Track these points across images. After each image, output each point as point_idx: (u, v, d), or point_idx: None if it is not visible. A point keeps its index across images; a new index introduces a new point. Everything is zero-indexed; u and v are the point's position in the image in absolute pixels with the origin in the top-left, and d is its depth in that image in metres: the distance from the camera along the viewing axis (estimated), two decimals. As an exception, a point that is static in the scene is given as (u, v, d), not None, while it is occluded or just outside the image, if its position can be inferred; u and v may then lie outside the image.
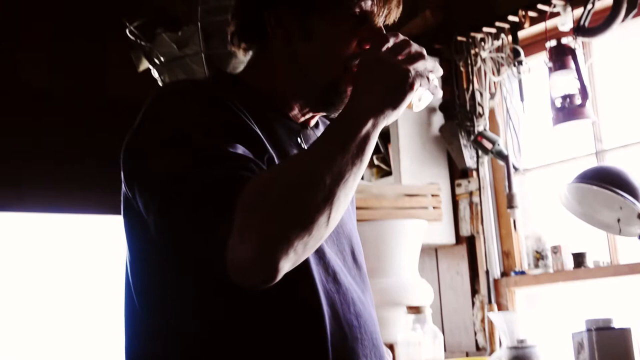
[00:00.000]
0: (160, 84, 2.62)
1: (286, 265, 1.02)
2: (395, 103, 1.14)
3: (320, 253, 1.22)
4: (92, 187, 3.97)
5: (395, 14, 1.31)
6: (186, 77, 2.51)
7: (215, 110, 1.16)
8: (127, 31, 2.49)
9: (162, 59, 2.47)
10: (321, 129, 1.39)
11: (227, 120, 1.15)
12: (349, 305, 1.23)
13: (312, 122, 1.36)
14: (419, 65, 1.16)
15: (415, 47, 1.19)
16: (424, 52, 1.19)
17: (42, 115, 4.00)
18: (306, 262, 1.18)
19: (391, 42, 1.19)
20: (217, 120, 1.14)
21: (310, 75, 1.27)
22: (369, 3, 1.26)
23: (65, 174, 3.97)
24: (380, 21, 1.28)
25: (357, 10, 1.25)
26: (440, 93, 1.23)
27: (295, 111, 1.32)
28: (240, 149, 1.09)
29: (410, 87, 1.15)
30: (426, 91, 1.20)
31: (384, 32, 1.26)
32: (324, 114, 1.34)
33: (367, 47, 1.24)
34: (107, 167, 3.88)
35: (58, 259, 4.03)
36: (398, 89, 1.14)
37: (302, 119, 1.33)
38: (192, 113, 1.14)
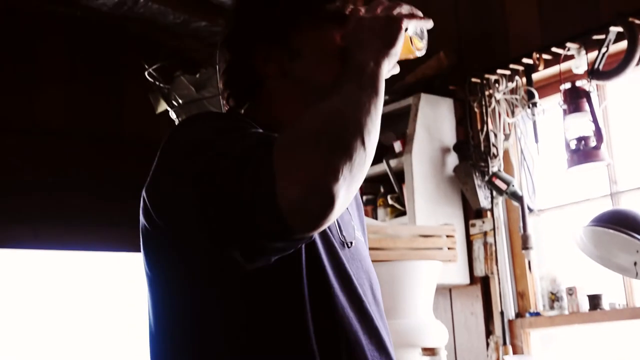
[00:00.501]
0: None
1: (340, 190, 1.03)
2: (388, 42, 1.19)
3: (346, 281, 1.23)
4: (106, 224, 4.00)
5: None
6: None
7: (235, 118, 1.22)
8: (146, 73, 2.52)
9: (180, 101, 2.50)
10: None
11: (248, 124, 1.19)
12: (372, 334, 1.24)
13: None
14: (397, 9, 1.22)
15: (387, 2, 1.24)
16: (398, 2, 1.25)
17: (58, 153, 4.05)
18: (330, 287, 1.19)
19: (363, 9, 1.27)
20: (238, 124, 1.18)
21: (315, 82, 1.28)
22: (346, 3, 1.31)
23: (80, 211, 4.00)
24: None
25: (329, 10, 1.30)
26: (430, 23, 1.26)
27: None
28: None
29: (398, 25, 1.20)
30: (417, 28, 1.26)
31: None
32: None
33: None
34: (122, 204, 3.94)
35: (73, 296, 4.04)
36: (386, 30, 1.20)
37: None
38: (211, 126, 1.17)
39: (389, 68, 1.20)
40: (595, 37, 2.96)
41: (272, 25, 1.30)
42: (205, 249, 1.14)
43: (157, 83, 2.55)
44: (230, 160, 1.06)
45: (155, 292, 1.27)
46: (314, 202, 1.02)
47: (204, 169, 1.08)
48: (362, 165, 1.07)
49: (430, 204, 3.36)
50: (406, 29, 1.23)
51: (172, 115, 2.59)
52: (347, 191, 1.05)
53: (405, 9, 1.23)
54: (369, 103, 1.12)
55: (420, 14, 1.25)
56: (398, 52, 1.20)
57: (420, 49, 1.28)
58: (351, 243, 1.32)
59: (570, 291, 3.04)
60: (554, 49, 3.10)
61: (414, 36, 1.26)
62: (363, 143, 1.07)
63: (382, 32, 1.20)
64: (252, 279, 1.15)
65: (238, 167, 1.05)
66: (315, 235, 1.18)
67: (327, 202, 1.02)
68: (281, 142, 1.05)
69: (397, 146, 3.50)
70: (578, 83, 2.96)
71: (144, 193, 1.21)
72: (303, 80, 1.29)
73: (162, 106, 2.59)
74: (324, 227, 1.06)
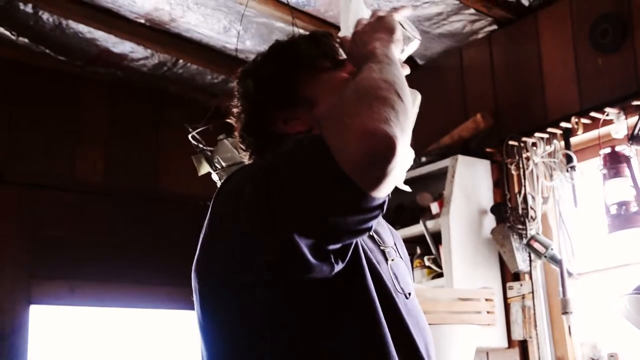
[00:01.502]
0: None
1: (395, 131, 1.06)
2: (388, 30, 1.26)
3: (407, 341, 1.22)
4: (144, 280, 4.02)
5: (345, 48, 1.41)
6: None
7: None
8: (190, 137, 2.57)
9: (223, 164, 2.53)
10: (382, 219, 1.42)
11: None
12: None
13: None
14: (379, 12, 1.31)
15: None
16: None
17: (97, 210, 4.09)
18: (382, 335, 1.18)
19: None
20: None
21: None
22: (324, 50, 1.38)
23: (117, 268, 4.02)
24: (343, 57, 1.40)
25: (323, 60, 1.37)
26: (410, 10, 1.36)
27: None
28: None
29: (389, 15, 1.28)
30: (403, 19, 1.35)
31: None
32: None
33: None
34: (160, 261, 3.97)
35: (109, 352, 4.05)
36: (381, 23, 1.27)
37: None
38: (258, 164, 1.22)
39: (398, 54, 1.26)
40: (634, 102, 2.97)
41: (278, 95, 1.36)
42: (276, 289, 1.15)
43: (201, 146, 2.59)
44: (287, 161, 1.11)
45: (215, 345, 1.25)
46: (375, 147, 1.04)
47: (266, 184, 1.11)
48: (405, 114, 1.10)
49: (467, 266, 3.35)
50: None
51: (215, 177, 2.62)
52: (402, 135, 1.07)
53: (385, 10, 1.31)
54: (390, 68, 1.17)
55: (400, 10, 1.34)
56: (400, 37, 1.27)
57: (416, 37, 1.37)
58: (409, 294, 1.31)
59: (612, 357, 2.99)
60: (592, 114, 3.10)
61: (404, 23, 1.34)
62: (398, 95, 1.11)
63: (378, 26, 1.27)
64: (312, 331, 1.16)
65: (293, 160, 1.10)
66: (370, 281, 1.19)
67: (389, 142, 1.05)
68: (324, 124, 1.10)
69: (434, 207, 3.50)
70: (618, 148, 2.96)
71: (200, 245, 1.22)
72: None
73: (205, 168, 2.63)
74: (394, 177, 1.07)
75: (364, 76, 1.15)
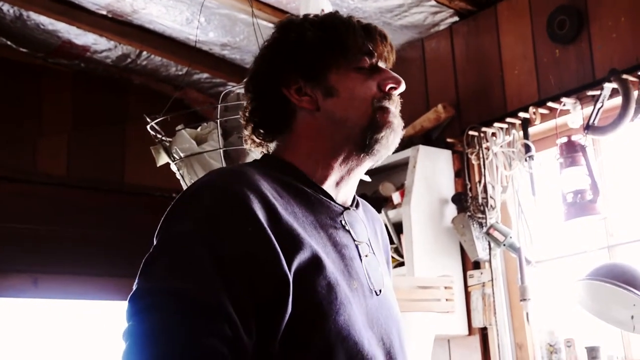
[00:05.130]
0: (178, 176, 2.67)
1: None
2: None
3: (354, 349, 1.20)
4: (107, 273, 4.02)
5: (392, 55, 1.37)
6: (204, 171, 2.56)
7: (233, 232, 1.14)
8: (148, 127, 2.56)
9: (181, 154, 2.53)
10: (361, 210, 1.40)
11: (241, 251, 1.12)
12: None
13: (350, 196, 1.37)
14: None
15: None
16: None
17: (60, 202, 4.07)
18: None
19: (402, 86, 1.32)
20: (228, 253, 1.12)
21: (347, 122, 1.30)
22: (371, 49, 1.32)
23: (80, 261, 4.01)
24: (383, 63, 1.35)
25: (365, 58, 1.32)
26: None
27: (336, 174, 1.33)
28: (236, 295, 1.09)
29: None
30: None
31: (393, 73, 1.34)
32: (369, 161, 1.33)
33: (387, 87, 1.32)
34: (123, 254, 3.96)
35: (72, 345, 4.03)
36: None
37: (345, 181, 1.34)
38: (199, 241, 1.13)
39: None
40: (590, 92, 3.02)
41: (309, 62, 1.31)
42: None
43: (159, 136, 2.59)
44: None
45: None
46: None
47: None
48: None
49: (428, 255, 3.38)
50: None
51: (173, 168, 2.62)
52: None
53: None
54: None
55: None
56: None
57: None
58: (380, 291, 1.29)
59: (569, 343, 3.05)
60: (550, 104, 3.15)
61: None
62: None
63: None
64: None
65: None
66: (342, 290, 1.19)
67: None
68: None
69: (396, 197, 3.53)
70: (574, 137, 3.00)
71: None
72: (335, 116, 1.30)
73: (163, 159, 2.62)
74: None
75: None
